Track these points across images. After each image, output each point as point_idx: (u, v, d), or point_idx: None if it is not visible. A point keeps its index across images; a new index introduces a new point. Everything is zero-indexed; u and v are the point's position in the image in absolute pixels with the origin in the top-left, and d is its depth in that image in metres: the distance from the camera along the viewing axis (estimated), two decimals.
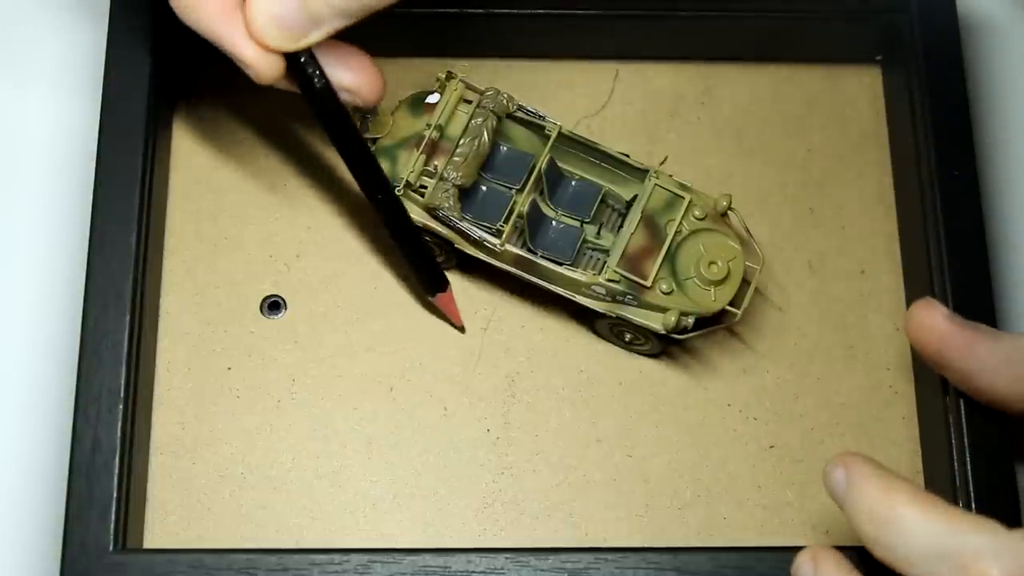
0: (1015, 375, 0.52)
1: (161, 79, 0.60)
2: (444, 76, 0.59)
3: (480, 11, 0.62)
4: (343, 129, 0.53)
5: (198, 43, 0.62)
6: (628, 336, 0.59)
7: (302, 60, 0.51)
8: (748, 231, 0.59)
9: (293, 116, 0.63)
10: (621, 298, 0.57)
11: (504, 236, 0.57)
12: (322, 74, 0.51)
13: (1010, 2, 0.67)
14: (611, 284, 0.56)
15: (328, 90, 0.52)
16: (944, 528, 0.46)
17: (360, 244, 0.61)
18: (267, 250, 0.61)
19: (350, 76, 0.52)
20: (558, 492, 0.58)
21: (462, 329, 0.60)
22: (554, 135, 0.59)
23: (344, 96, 0.53)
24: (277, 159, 0.62)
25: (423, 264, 0.58)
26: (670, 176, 0.59)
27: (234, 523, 0.57)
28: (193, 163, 0.62)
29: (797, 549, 0.50)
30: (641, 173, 0.59)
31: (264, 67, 0.49)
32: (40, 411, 0.59)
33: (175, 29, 0.61)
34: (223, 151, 0.62)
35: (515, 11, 0.62)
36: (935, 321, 0.53)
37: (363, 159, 0.54)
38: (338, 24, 0.49)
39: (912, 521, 0.46)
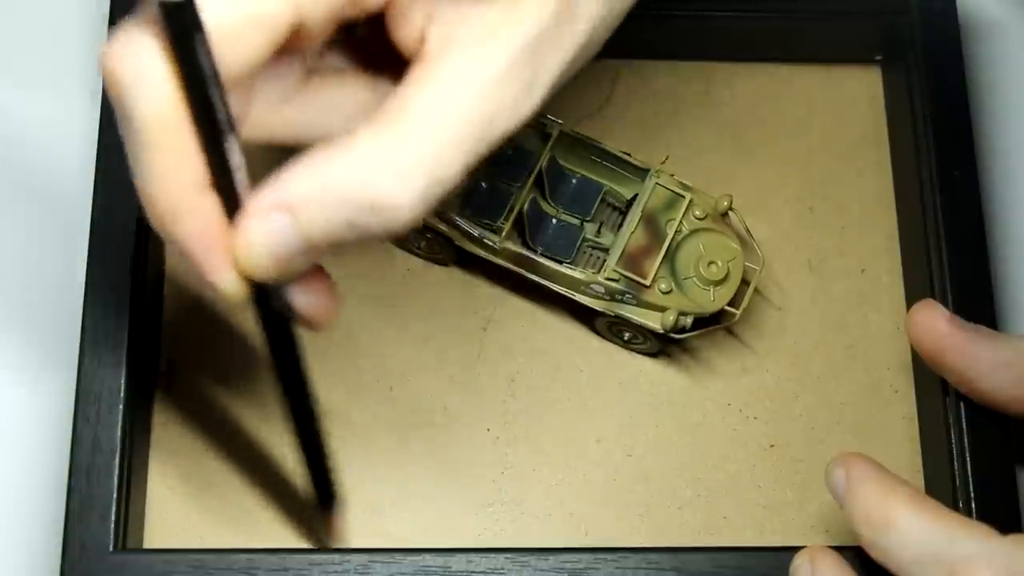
0: (1015, 378, 0.52)
1: None
2: None
3: None
4: (285, 349, 0.49)
5: None
6: (627, 335, 0.59)
7: (272, 287, 0.46)
8: (748, 231, 0.59)
9: None
10: (620, 297, 0.57)
11: (504, 233, 0.57)
12: (285, 300, 0.46)
13: (1010, 2, 0.67)
14: (610, 283, 0.56)
15: (286, 317, 0.47)
16: (938, 533, 0.46)
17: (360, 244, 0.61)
18: None
19: (307, 300, 0.46)
20: (558, 492, 0.58)
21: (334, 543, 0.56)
22: (555, 133, 0.59)
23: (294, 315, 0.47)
24: (277, 159, 0.62)
25: (320, 477, 0.54)
26: (671, 175, 0.59)
27: (234, 523, 0.57)
28: None
29: (797, 549, 0.50)
30: (642, 172, 0.59)
31: (235, 292, 0.44)
32: (40, 411, 0.59)
33: None
34: None
35: None
36: (936, 323, 0.53)
37: (296, 375, 0.50)
38: (327, 254, 0.45)
39: (907, 524, 0.46)
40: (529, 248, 0.58)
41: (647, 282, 0.57)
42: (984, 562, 0.45)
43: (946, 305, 0.56)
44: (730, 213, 0.59)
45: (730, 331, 0.60)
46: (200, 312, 0.60)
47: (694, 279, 0.57)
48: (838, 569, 0.49)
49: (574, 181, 0.60)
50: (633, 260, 0.57)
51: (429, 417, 0.59)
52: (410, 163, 0.42)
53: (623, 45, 0.63)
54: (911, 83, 0.61)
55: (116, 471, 0.54)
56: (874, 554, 0.47)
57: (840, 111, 0.64)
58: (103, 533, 0.53)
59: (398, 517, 0.57)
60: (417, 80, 0.43)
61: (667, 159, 0.62)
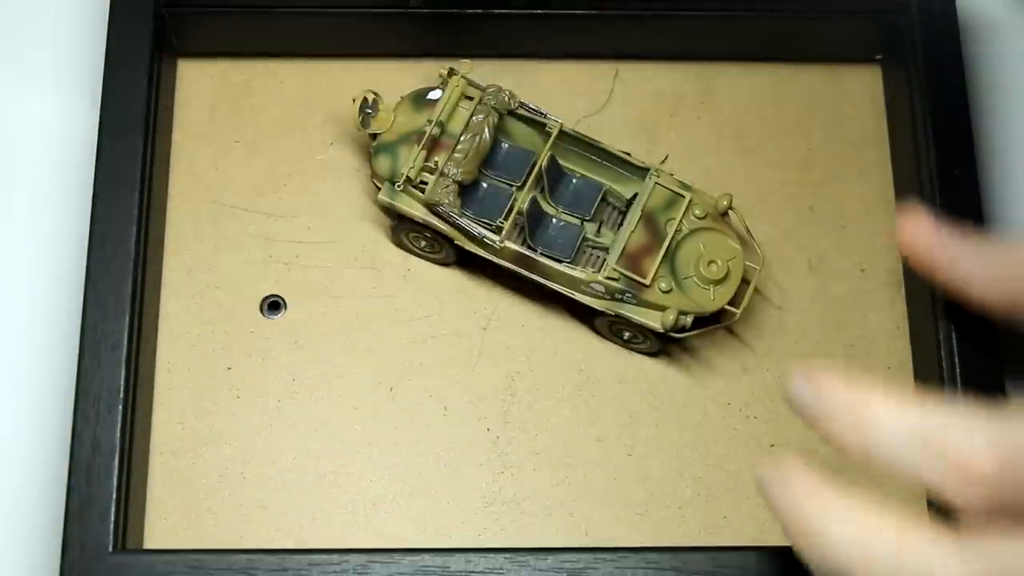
0: (1000, 278, 0.51)
1: (160, 80, 0.60)
2: (446, 72, 0.60)
3: (480, 11, 0.62)
4: None
5: (198, 44, 0.63)
6: (627, 334, 0.59)
7: None
8: (748, 230, 0.59)
9: (293, 117, 0.63)
10: (620, 296, 0.57)
11: (504, 233, 0.57)
12: None
13: (1010, 2, 0.68)
14: (610, 282, 0.56)
15: None
16: (922, 418, 0.43)
17: (360, 244, 0.61)
18: (267, 250, 0.61)
19: None
20: (558, 492, 0.58)
21: None
22: (555, 132, 0.59)
23: None
24: (277, 159, 0.62)
25: None
26: (671, 175, 0.59)
27: (234, 523, 0.57)
28: (193, 163, 0.62)
29: None
30: (642, 172, 0.59)
31: None
32: (40, 411, 0.59)
33: (175, 28, 0.61)
34: (223, 151, 0.62)
35: (515, 11, 0.62)
36: (924, 230, 0.53)
37: None
38: None
39: (886, 413, 0.43)
40: (529, 248, 0.58)
41: (647, 281, 0.57)
42: (977, 434, 0.42)
43: (946, 306, 0.56)
44: (730, 213, 0.59)
45: (730, 330, 0.60)
46: (200, 311, 0.60)
47: (694, 278, 0.57)
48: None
49: (574, 181, 0.60)
50: (633, 259, 0.57)
51: (429, 417, 0.59)
52: None
53: (623, 45, 0.64)
54: (911, 83, 0.61)
55: (116, 471, 0.54)
56: (856, 457, 0.44)
57: (840, 111, 0.64)
58: (103, 533, 0.53)
59: (398, 517, 0.57)
60: None
61: (667, 159, 0.62)
